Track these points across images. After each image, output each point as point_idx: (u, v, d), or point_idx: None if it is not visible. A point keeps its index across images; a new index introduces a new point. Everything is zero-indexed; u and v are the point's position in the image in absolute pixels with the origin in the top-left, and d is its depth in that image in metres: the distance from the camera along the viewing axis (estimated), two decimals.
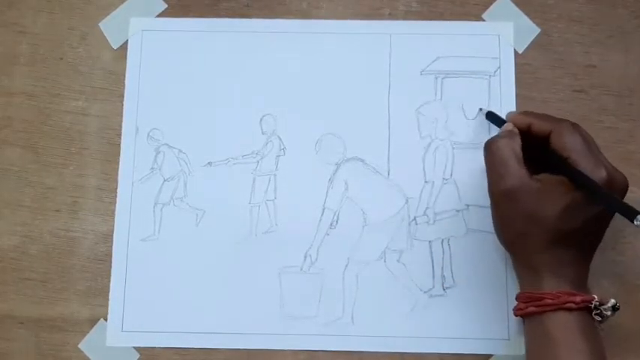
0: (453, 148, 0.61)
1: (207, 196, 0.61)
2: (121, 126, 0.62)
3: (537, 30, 0.63)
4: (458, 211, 0.60)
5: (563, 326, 0.49)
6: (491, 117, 0.59)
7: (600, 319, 0.51)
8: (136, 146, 0.62)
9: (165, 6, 0.64)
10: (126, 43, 0.63)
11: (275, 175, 0.61)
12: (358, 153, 0.61)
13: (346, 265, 0.59)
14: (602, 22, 0.63)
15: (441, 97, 0.62)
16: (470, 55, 0.62)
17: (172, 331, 0.59)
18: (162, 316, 0.59)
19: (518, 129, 0.54)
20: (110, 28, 0.64)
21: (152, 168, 0.61)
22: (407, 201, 0.60)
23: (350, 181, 0.61)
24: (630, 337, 0.58)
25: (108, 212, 0.61)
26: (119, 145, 0.62)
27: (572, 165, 0.50)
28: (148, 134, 0.62)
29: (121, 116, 0.62)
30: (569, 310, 0.49)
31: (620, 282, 0.59)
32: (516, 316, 0.52)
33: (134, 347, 0.58)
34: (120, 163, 0.61)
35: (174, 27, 0.64)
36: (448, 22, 0.63)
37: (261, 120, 0.62)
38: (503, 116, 0.57)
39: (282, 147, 0.61)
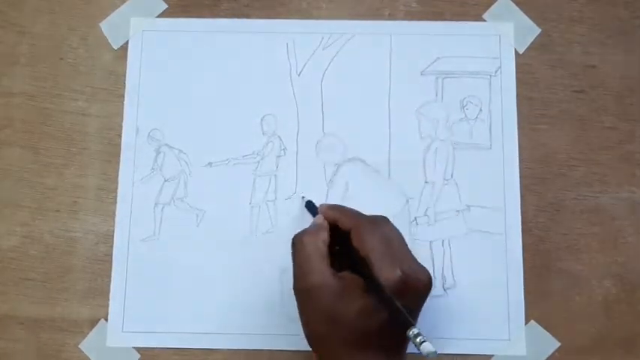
0: (454, 149, 0.61)
1: (207, 196, 0.61)
2: (121, 126, 0.62)
3: (538, 30, 0.63)
4: (458, 211, 0.60)
5: None
6: (309, 206, 0.58)
7: None
8: (137, 146, 0.62)
9: (166, 6, 0.64)
10: (126, 43, 0.63)
11: (275, 175, 0.61)
12: (358, 153, 0.61)
13: None
14: (602, 23, 0.63)
15: (442, 97, 0.62)
16: (470, 55, 0.62)
17: (172, 332, 0.59)
18: (163, 316, 0.59)
19: (329, 223, 0.53)
20: (110, 28, 0.64)
21: (152, 168, 0.61)
22: (407, 201, 0.60)
23: (350, 182, 0.61)
24: (631, 338, 0.58)
25: (108, 212, 0.61)
26: (119, 145, 0.62)
27: (369, 264, 0.48)
28: (149, 134, 0.62)
29: (122, 116, 0.62)
30: None
31: (621, 282, 0.59)
32: None
33: (134, 347, 0.58)
34: (120, 163, 0.61)
35: (174, 27, 0.64)
36: (448, 22, 0.63)
37: (261, 120, 0.62)
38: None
39: (283, 147, 0.61)
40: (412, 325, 0.45)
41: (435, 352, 0.44)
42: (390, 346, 0.49)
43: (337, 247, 0.52)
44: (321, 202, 0.58)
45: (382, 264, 0.48)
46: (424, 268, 0.50)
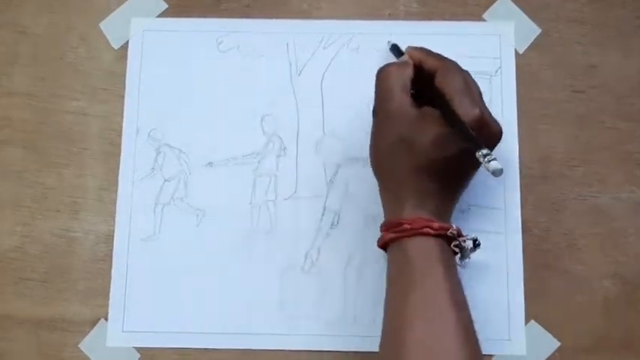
0: None
1: (207, 196, 0.61)
2: (121, 126, 0.62)
3: (538, 30, 0.63)
4: (459, 211, 0.60)
5: (420, 251, 0.50)
6: (394, 50, 0.60)
7: (459, 251, 0.52)
8: (137, 146, 0.62)
9: (166, 6, 0.64)
10: (126, 43, 0.63)
11: (275, 175, 0.61)
12: (359, 153, 0.61)
13: (347, 265, 0.59)
14: (602, 23, 0.63)
15: None
16: (470, 55, 0.62)
17: (173, 331, 0.59)
18: (163, 316, 0.59)
19: (415, 64, 0.55)
20: (111, 28, 0.64)
21: (153, 168, 0.61)
22: None
23: (350, 182, 0.61)
24: (631, 338, 0.58)
25: (108, 212, 0.60)
26: (119, 145, 0.62)
27: (450, 100, 0.51)
28: (149, 134, 0.62)
29: (122, 116, 0.62)
30: (427, 235, 0.50)
31: (621, 282, 0.59)
32: (379, 247, 0.53)
33: (134, 347, 0.58)
34: (120, 163, 0.61)
35: (174, 27, 0.64)
36: (448, 22, 0.63)
37: (262, 120, 0.62)
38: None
39: (283, 147, 0.61)
40: (482, 147, 0.47)
41: (501, 169, 0.46)
42: (449, 179, 0.52)
43: (415, 91, 0.54)
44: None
45: (463, 101, 0.50)
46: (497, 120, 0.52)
